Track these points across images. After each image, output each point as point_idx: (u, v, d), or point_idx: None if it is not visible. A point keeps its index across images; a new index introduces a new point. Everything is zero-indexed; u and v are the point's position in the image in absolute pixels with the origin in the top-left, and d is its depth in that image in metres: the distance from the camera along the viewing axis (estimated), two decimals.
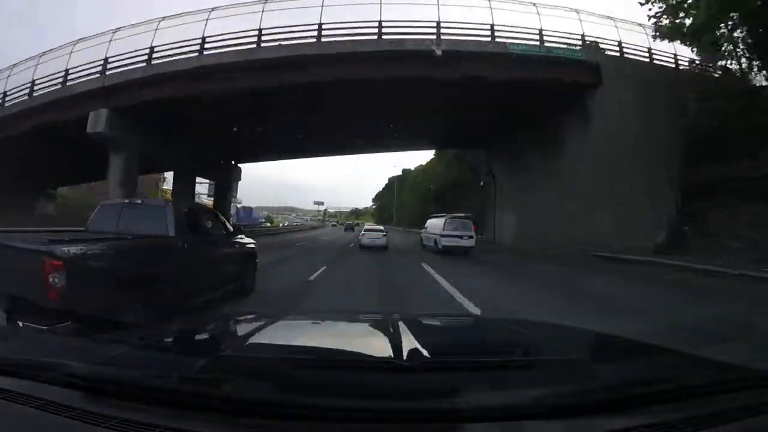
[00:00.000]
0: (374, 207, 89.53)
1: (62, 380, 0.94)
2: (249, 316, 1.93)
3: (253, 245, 6.48)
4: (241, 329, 1.63)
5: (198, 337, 1.59)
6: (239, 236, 6.09)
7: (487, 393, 0.89)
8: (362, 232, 19.12)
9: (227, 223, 5.75)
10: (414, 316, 2.07)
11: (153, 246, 4.00)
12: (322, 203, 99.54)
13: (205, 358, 0.98)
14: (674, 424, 0.82)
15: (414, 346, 1.16)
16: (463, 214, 17.33)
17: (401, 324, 1.48)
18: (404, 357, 1.05)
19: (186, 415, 0.82)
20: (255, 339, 1.36)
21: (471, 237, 15.04)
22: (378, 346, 1.34)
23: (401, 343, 1.20)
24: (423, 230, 19.08)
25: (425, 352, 1.10)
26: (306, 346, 1.41)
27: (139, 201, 5.12)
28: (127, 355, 1.22)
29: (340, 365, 1.08)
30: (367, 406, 0.84)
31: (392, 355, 1.10)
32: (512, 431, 0.81)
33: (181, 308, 3.97)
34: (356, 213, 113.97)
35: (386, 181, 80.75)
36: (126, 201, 5.12)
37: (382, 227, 21.64)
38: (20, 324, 2.74)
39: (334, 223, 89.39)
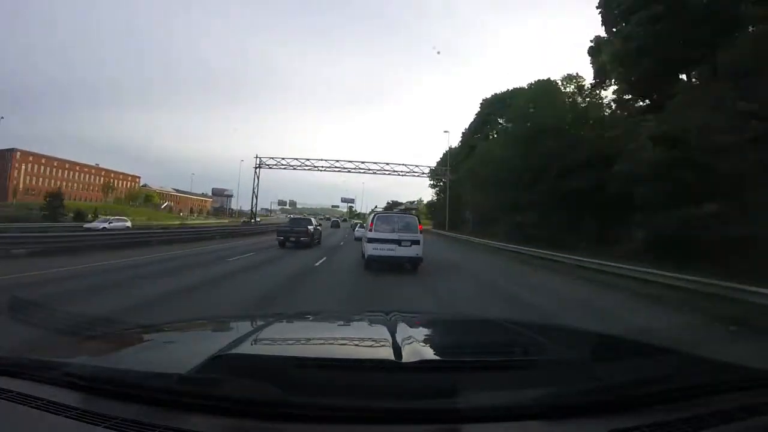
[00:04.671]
0: (437, 193, 52.46)
1: (62, 380, 0.94)
2: (249, 316, 1.92)
3: (320, 227, 22.78)
4: (241, 329, 1.62)
5: (198, 337, 1.58)
6: (318, 225, 22.23)
7: (487, 393, 0.89)
8: (356, 229, 25.50)
9: (318, 222, 23.59)
10: (414, 316, 2.06)
11: (314, 229, 20.34)
12: (352, 200, 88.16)
13: (205, 358, 0.97)
14: (674, 424, 0.82)
15: (414, 346, 1.15)
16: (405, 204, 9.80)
17: (401, 324, 1.47)
18: (404, 357, 1.04)
19: (186, 415, 0.82)
20: (255, 339, 1.35)
21: (416, 242, 11.48)
22: (378, 345, 1.33)
23: (401, 343, 1.19)
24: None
25: (425, 352, 1.10)
26: (306, 346, 1.40)
27: (301, 216, 28.38)
28: (127, 355, 1.22)
29: (340, 365, 1.07)
30: (367, 406, 0.84)
31: (392, 355, 1.09)
32: (512, 431, 0.81)
33: (316, 242, 20.49)
34: (391, 206, 70.97)
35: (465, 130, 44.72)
36: (297, 216, 27.81)
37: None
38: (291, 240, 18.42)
39: (322, 217, 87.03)
